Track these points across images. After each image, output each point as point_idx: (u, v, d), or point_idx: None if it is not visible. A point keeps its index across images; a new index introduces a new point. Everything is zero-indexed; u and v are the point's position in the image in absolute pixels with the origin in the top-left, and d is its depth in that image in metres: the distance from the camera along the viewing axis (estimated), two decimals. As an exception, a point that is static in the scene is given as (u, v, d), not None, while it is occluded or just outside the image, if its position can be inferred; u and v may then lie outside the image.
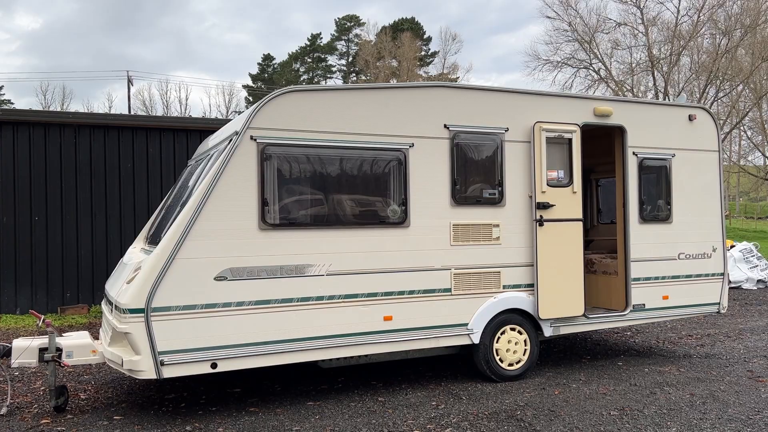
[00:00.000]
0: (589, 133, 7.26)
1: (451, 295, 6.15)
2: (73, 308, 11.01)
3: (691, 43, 27.66)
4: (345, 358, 5.89)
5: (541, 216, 6.49)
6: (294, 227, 5.57)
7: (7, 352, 5.63)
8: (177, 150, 11.87)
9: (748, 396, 5.87)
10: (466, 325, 6.21)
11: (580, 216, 6.71)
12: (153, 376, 5.05)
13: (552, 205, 6.52)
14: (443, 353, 6.40)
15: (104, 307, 6.25)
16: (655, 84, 28.64)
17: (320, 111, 5.69)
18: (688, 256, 7.38)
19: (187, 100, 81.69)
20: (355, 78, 74.75)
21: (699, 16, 27.74)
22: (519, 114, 6.52)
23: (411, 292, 5.99)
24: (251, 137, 5.43)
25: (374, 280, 5.83)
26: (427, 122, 6.12)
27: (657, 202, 7.24)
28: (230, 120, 8.26)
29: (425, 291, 6.04)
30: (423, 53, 68.90)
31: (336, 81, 76.35)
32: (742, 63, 27.65)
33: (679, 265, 7.33)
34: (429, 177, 6.10)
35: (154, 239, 6.34)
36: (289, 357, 5.52)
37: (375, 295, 5.84)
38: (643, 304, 7.09)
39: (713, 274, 7.55)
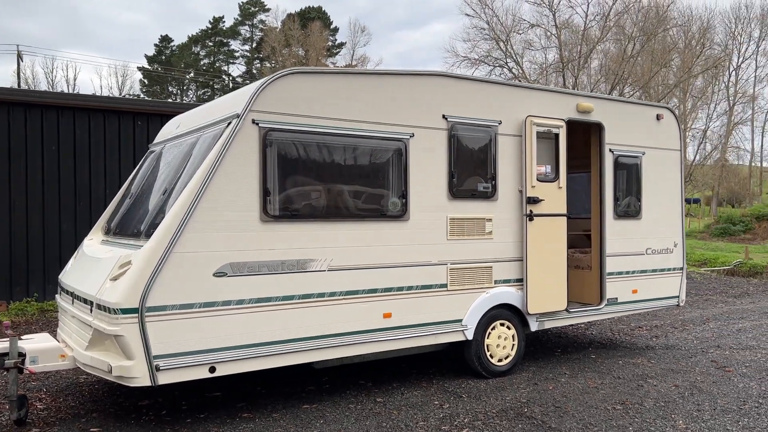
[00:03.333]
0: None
1: (447, 290, 5.99)
2: (-12, 305, 9.95)
3: (600, 47, 29.08)
4: (342, 357, 5.58)
5: (531, 211, 6.45)
6: (296, 219, 5.19)
7: (-40, 359, 4.91)
8: (108, 133, 10.97)
9: (726, 387, 6.10)
10: (461, 321, 6.07)
11: (565, 211, 6.74)
12: (147, 383, 4.55)
13: (541, 200, 6.50)
14: (432, 350, 6.23)
15: (66, 304, 5.60)
16: (564, 85, 29.81)
17: (324, 95, 5.34)
18: (654, 251, 7.62)
19: (75, 80, 76.56)
20: (258, 65, 73.00)
21: (606, 22, 29.16)
22: (512, 107, 6.44)
23: (410, 288, 5.77)
24: (253, 121, 5.00)
25: (374, 276, 5.57)
26: (426, 112, 5.90)
27: (629, 199, 7.41)
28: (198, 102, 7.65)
29: (423, 287, 5.85)
30: (330, 44, 68.26)
31: (239, 67, 74.29)
32: (644, 68, 29.35)
33: (646, 259, 7.54)
34: (428, 169, 5.90)
35: (122, 231, 5.78)
36: (290, 358, 5.15)
37: (375, 291, 5.58)
38: (616, 298, 7.24)
39: (674, 269, 7.84)
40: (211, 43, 73.26)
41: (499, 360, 6.38)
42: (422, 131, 5.86)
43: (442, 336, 5.97)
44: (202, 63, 73.00)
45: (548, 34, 30.67)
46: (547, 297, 6.58)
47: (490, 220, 6.26)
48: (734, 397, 5.75)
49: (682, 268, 7.91)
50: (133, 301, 4.49)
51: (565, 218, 6.73)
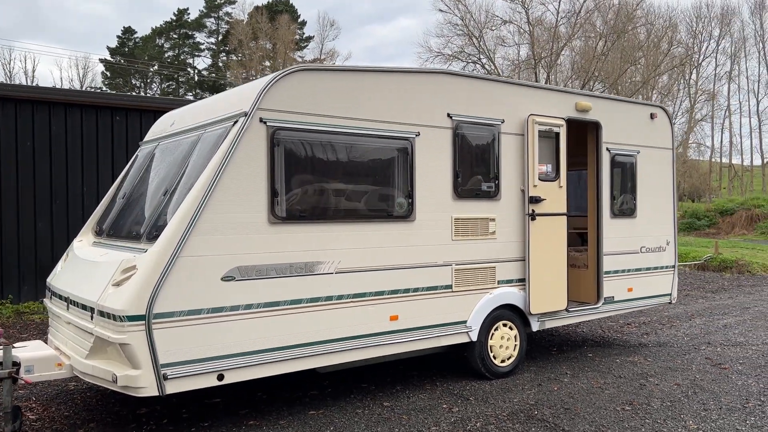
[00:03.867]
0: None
1: (452, 292, 5.91)
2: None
3: (572, 44, 29.36)
4: (350, 362, 5.46)
5: (533, 210, 6.40)
6: (304, 221, 5.04)
7: (-51, 370, 4.64)
8: (85, 129, 10.60)
9: (726, 384, 6.15)
10: (465, 322, 6.00)
11: (565, 210, 6.71)
12: (154, 392, 4.36)
13: (543, 200, 6.46)
14: (434, 352, 6.14)
15: (58, 309, 5.35)
16: (537, 81, 30.00)
17: (331, 93, 5.20)
18: (648, 250, 7.66)
19: (34, 71, 74.36)
20: (225, 58, 72.01)
21: (576, 20, 29.47)
22: (514, 106, 6.37)
23: (416, 290, 5.67)
24: (260, 119, 4.84)
25: (381, 278, 5.45)
26: (431, 110, 5.80)
27: (625, 197, 7.42)
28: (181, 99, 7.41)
29: (428, 288, 5.75)
30: (297, 37, 67.62)
31: (204, 60, 73.09)
32: (614, 65, 29.75)
33: (641, 258, 7.58)
34: (433, 168, 5.80)
35: (117, 233, 5.56)
36: (298, 364, 5.01)
37: (382, 293, 5.46)
38: (613, 297, 7.26)
39: (667, 267, 7.89)
40: (175, 36, 71.90)
41: (502, 361, 6.33)
42: (428, 130, 5.76)
43: (447, 338, 5.89)
44: (166, 55, 71.64)
45: (521, 30, 30.87)
46: (549, 297, 6.55)
47: (493, 219, 6.19)
48: (736, 395, 5.80)
49: (674, 266, 7.97)
50: (139, 308, 4.29)
51: (565, 217, 6.71)
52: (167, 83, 69.18)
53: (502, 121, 6.27)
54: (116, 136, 10.84)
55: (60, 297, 5.39)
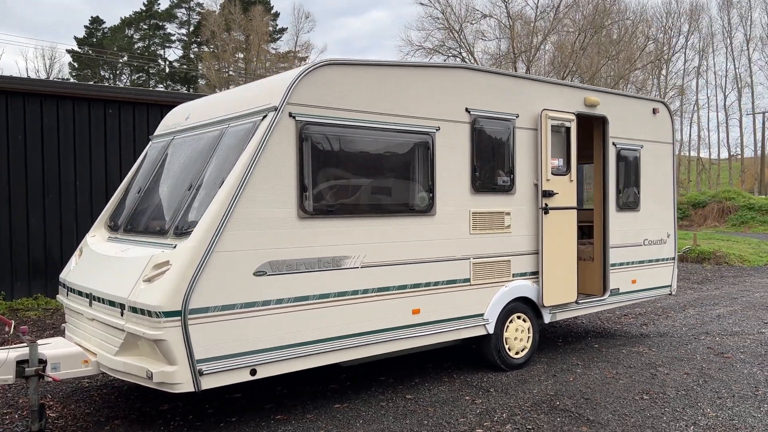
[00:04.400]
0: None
1: (470, 285, 5.97)
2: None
3: (551, 38, 29.67)
4: (375, 355, 5.49)
5: (546, 204, 6.49)
6: (331, 216, 5.05)
7: (-26, 368, 4.56)
8: (77, 122, 10.42)
9: (733, 373, 6.33)
10: (482, 315, 6.07)
11: (575, 204, 6.82)
12: (190, 388, 4.34)
13: (555, 193, 6.55)
14: (449, 345, 6.20)
15: (79, 305, 5.28)
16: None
17: (357, 87, 5.21)
18: (650, 242, 7.82)
19: (-2, 62, 72.43)
20: (196, 49, 71.11)
21: (555, 14, 29.77)
22: (528, 101, 6.45)
23: (436, 284, 5.72)
24: (290, 114, 4.82)
25: (404, 272, 5.49)
26: (451, 105, 5.84)
27: (629, 191, 7.56)
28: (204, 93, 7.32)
29: (448, 282, 5.81)
30: (271, 29, 67.02)
31: (176, 51, 72.04)
32: (593, 60, 30.15)
33: (644, 250, 7.73)
34: (452, 163, 5.85)
35: (138, 228, 5.50)
36: (326, 358, 5.03)
37: (404, 287, 5.50)
38: (618, 288, 7.40)
39: (667, 259, 8.07)
40: (145, 26, 70.71)
41: (516, 353, 6.42)
42: (447, 125, 5.80)
43: (466, 330, 5.96)
44: (136, 47, 70.42)
45: (501, 25, 31.05)
46: (560, 289, 6.66)
47: (508, 213, 6.27)
48: (745, 384, 5.97)
49: (674, 258, 8.15)
50: (175, 304, 4.27)
51: (575, 211, 6.82)
52: (137, 75, 68.05)
53: (517, 116, 6.34)
54: (109, 129, 10.67)
55: (79, 293, 5.32)
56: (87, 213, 10.42)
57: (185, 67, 70.90)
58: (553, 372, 6.35)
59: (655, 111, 7.87)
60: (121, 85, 63.32)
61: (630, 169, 7.57)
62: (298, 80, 4.87)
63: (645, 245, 7.75)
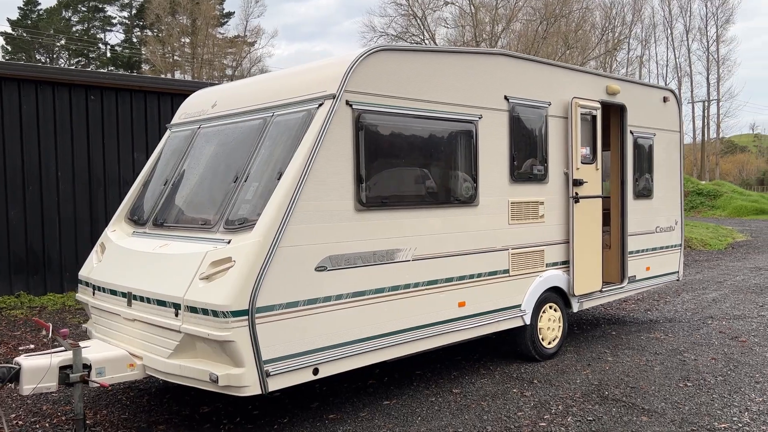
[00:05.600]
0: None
1: (509, 276, 5.90)
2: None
3: (514, 27, 29.90)
4: (425, 350, 5.35)
5: (576, 193, 6.47)
6: (385, 207, 4.88)
7: (15, 376, 4.23)
8: (58, 108, 9.85)
9: (756, 357, 6.46)
10: (520, 306, 6.01)
11: (601, 192, 6.83)
12: (257, 391, 4.13)
13: (585, 182, 6.54)
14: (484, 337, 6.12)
15: (114, 305, 4.96)
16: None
17: (408, 74, 5.04)
18: (661, 230, 7.92)
19: (-75, 46, 68.32)
20: (139, 33, 68.85)
21: (516, 2, 30.00)
22: (559, 89, 6.39)
23: (479, 275, 5.63)
24: (347, 102, 4.62)
25: (450, 264, 5.37)
26: (491, 92, 5.73)
27: (644, 179, 7.62)
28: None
29: (490, 273, 5.72)
30: (218, 13, 65.37)
31: (117, 35, 69.54)
32: (554, 48, 30.54)
33: (656, 237, 7.83)
34: (493, 152, 5.75)
35: (173, 222, 5.22)
36: (382, 354, 4.88)
37: (451, 280, 5.39)
38: (634, 276, 7.47)
39: (676, 245, 8.19)
40: (84, 8, 67.95)
41: (549, 343, 6.40)
42: (489, 113, 5.69)
43: (505, 322, 5.89)
44: (74, 29, 67.66)
45: (463, 12, 31.10)
46: (588, 278, 6.67)
47: (542, 203, 6.22)
48: (772, 367, 6.11)
49: (680, 245, 8.29)
50: (242, 303, 4.04)
51: (600, 200, 6.83)
52: (76, 59, 65.42)
53: (549, 104, 6.28)
54: (91, 116, 10.12)
55: (112, 292, 5.00)
56: (70, 204, 9.90)
57: (128, 51, 68.55)
58: (586, 361, 6.35)
59: (665, 99, 7.95)
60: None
61: (644, 157, 7.63)
62: (353, 67, 4.66)
63: (657, 232, 7.84)
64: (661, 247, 7.91)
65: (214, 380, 4.08)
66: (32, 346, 7.14)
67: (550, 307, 6.40)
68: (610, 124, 7.47)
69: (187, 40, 63.78)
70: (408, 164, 5.06)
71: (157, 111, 10.74)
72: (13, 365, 4.24)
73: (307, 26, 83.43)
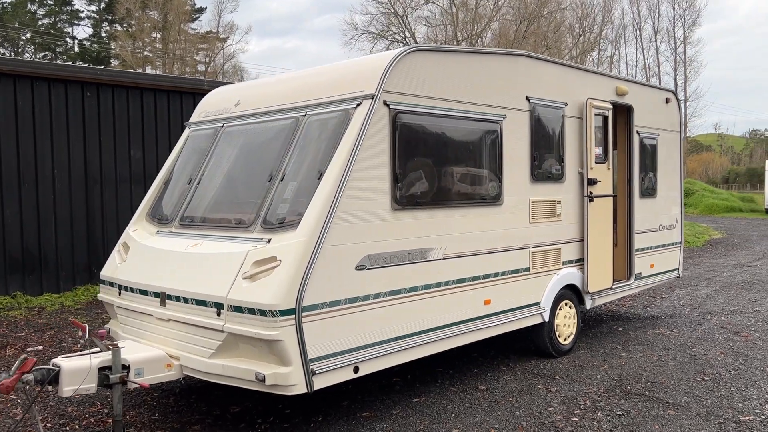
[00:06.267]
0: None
1: (530, 274, 5.99)
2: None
3: (493, 26, 30.14)
4: (451, 348, 5.41)
5: (591, 192, 6.59)
6: (419, 207, 4.93)
7: (54, 378, 4.17)
8: (54, 105, 9.68)
9: (761, 351, 6.66)
10: (539, 303, 6.11)
11: (612, 192, 6.96)
12: (303, 390, 4.14)
13: (598, 182, 6.67)
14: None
15: (144, 305, 4.92)
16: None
17: (441, 74, 5.09)
18: (664, 228, 8.10)
19: None
20: (107, 27, 67.68)
21: (495, 2, 30.28)
22: (575, 89, 6.50)
23: (503, 274, 5.70)
24: (384, 102, 4.65)
25: (477, 263, 5.44)
26: (515, 93, 5.82)
27: (649, 179, 7.79)
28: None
29: (513, 271, 5.80)
30: (189, 8, 64.57)
31: (85, 29, 68.22)
32: (534, 48, 30.84)
33: (659, 235, 8.00)
34: (516, 152, 5.83)
35: (201, 221, 5.19)
36: (416, 352, 4.93)
37: (478, 278, 5.45)
38: (640, 273, 7.63)
39: (675, 243, 8.39)
40: (50, 2, 66.53)
41: (564, 339, 6.52)
42: (512, 113, 5.77)
43: (526, 320, 5.98)
44: (40, 23, 66.24)
45: (443, 12, 31.25)
46: (601, 275, 6.80)
47: (559, 202, 6.32)
48: (780, 361, 6.32)
49: (680, 243, 8.49)
50: (290, 301, 4.04)
51: (611, 198, 6.97)
52: (42, 53, 64.05)
53: (566, 104, 6.38)
54: (87, 113, 9.97)
55: (142, 292, 4.95)
56: (66, 203, 9.74)
57: (96, 46, 67.36)
58: (601, 357, 6.48)
59: (667, 100, 8.13)
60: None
61: (649, 157, 7.79)
62: (390, 67, 4.69)
63: (660, 230, 8.02)
64: (664, 245, 8.09)
65: (261, 380, 4.08)
66: (40, 347, 7.03)
67: (566, 304, 6.51)
68: (616, 125, 7.60)
69: (159, 36, 62.90)
70: (439, 164, 5.11)
71: (153, 108, 10.61)
72: (52, 367, 4.18)
73: (279, 22, 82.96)
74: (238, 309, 4.18)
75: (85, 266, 9.98)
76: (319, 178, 4.42)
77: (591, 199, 6.58)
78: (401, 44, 31.44)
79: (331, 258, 4.29)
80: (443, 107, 5.11)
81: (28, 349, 6.94)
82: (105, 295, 5.47)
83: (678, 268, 8.46)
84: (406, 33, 31.34)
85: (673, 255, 8.34)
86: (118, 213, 10.23)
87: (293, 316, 4.06)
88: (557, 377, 5.81)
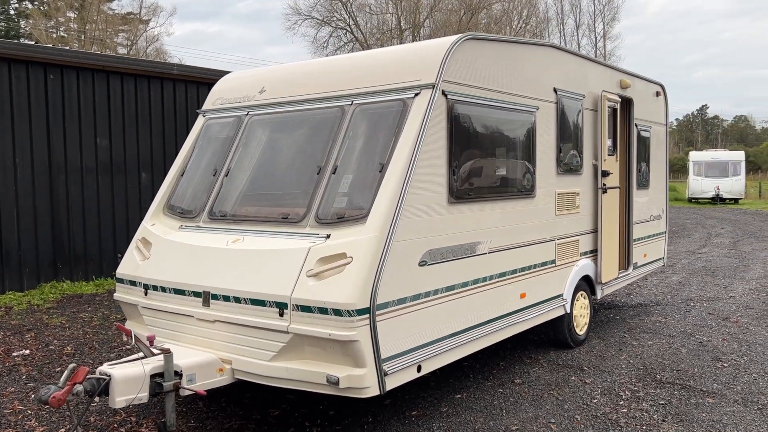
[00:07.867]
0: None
1: (555, 266, 6.00)
2: None
3: (436, 16, 30.16)
4: (493, 343, 5.34)
5: (604, 184, 6.67)
6: (470, 200, 4.82)
7: (105, 388, 3.83)
8: (33, 89, 8.95)
9: (758, 336, 6.94)
10: (562, 295, 6.13)
11: (619, 183, 7.07)
12: (376, 391, 3.96)
13: (610, 173, 6.75)
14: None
15: (183, 306, 4.59)
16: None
17: (492, 64, 5.00)
18: (654, 218, 8.32)
19: None
20: (16, 4, 63.81)
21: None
22: (591, 82, 6.54)
23: (535, 267, 5.68)
24: (442, 92, 4.50)
25: (515, 256, 5.39)
26: (545, 84, 5.78)
27: (643, 170, 7.97)
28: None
29: (542, 264, 5.79)
30: (107, -13, 61.50)
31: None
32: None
33: (650, 226, 8.22)
34: (545, 143, 5.80)
35: (230, 214, 4.92)
36: (467, 348, 4.83)
37: (515, 271, 5.40)
38: (636, 263, 7.81)
39: (662, 233, 8.65)
40: (-47, -24, 61.97)
41: (580, 329, 6.58)
42: (543, 104, 5.74)
43: (554, 311, 5.99)
44: (-48, 7, 61.67)
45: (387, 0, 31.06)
46: (611, 266, 6.91)
47: (578, 194, 6.36)
48: (779, 346, 6.61)
49: (665, 232, 8.75)
50: (365, 300, 3.86)
51: (619, 190, 7.07)
52: (-57, 33, 59.70)
53: (584, 97, 6.41)
54: (51, 97, 9.27)
55: (178, 291, 4.62)
56: (29, 194, 9.05)
57: (4, 24, 63.45)
58: (615, 346, 6.58)
59: (657, 93, 8.33)
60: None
61: (643, 149, 7.97)
62: (447, 55, 4.53)
63: (650, 221, 8.23)
64: (654, 235, 8.32)
65: (334, 382, 3.88)
66: (27, 351, 6.49)
67: (582, 296, 6.58)
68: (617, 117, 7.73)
69: (73, 15, 59.75)
70: (486, 156, 5.02)
71: (120, 93, 9.99)
72: (102, 376, 3.84)
73: (201, 5, 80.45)
74: (306, 309, 3.95)
75: (50, 262, 9.32)
76: (381, 171, 4.24)
77: (605, 191, 6.66)
78: (345, 31, 31.20)
79: (399, 254, 4.12)
80: (491, 98, 5.01)
81: (14, 354, 6.41)
82: (125, 294, 5.08)
83: (663, 257, 8.73)
84: (350, 20, 31.03)
85: (660, 244, 8.59)
86: (83, 204, 9.60)
87: (368, 315, 3.87)
88: (585, 368, 5.86)
